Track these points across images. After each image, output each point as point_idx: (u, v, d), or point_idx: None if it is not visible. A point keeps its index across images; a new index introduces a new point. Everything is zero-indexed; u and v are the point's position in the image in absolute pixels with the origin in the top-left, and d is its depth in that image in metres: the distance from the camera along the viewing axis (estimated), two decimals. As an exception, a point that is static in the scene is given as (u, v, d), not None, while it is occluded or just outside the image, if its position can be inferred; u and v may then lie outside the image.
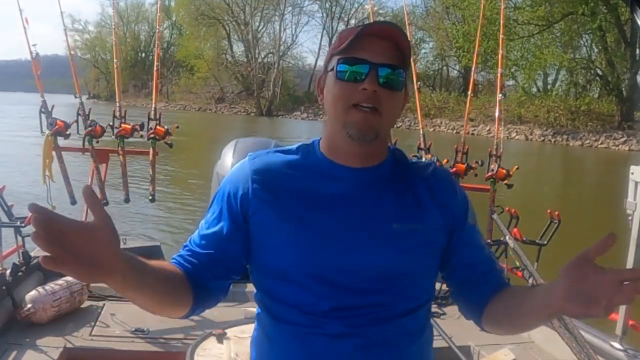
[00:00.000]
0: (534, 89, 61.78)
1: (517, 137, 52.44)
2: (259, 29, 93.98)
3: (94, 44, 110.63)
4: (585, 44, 58.97)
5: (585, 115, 50.86)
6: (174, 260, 2.13)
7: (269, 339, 2.19)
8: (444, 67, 78.36)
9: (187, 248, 2.16)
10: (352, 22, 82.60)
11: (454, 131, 51.66)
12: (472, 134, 51.77)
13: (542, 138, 51.36)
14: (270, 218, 2.08)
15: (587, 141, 48.34)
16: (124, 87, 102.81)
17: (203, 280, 2.12)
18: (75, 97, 6.14)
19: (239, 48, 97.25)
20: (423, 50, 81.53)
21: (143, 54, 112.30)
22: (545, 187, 26.17)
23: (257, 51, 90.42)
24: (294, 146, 2.24)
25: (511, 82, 64.39)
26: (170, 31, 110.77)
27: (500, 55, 7.09)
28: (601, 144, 47.15)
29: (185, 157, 26.16)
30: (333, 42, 2.17)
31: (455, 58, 67.67)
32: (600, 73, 57.11)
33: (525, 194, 20.74)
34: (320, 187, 2.10)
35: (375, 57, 2.00)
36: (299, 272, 2.07)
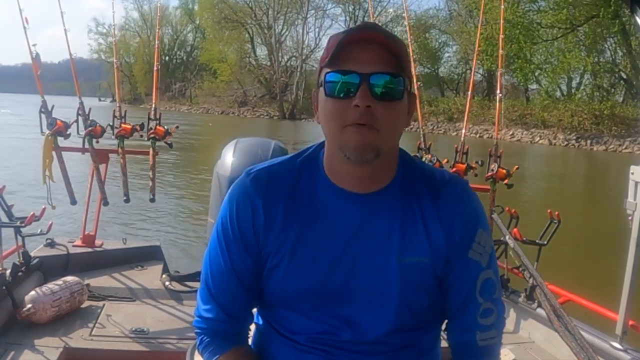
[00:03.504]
0: (558, 93, 61.41)
1: (540, 142, 52.18)
2: (282, 32, 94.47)
3: (118, 47, 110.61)
4: (610, 47, 58.59)
5: (609, 120, 50.23)
6: (226, 343, 2.15)
7: (267, 349, 2.18)
8: (468, 71, 77.89)
9: (216, 306, 2.14)
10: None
11: (477, 135, 51.34)
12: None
13: (566, 142, 50.95)
14: (273, 248, 2.03)
15: (612, 146, 47.85)
16: (147, 90, 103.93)
17: (250, 316, 2.23)
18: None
19: (262, 51, 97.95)
20: (446, 54, 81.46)
21: (167, 57, 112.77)
22: (562, 189, 26.06)
23: (280, 55, 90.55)
24: (299, 158, 2.11)
25: (535, 86, 64.08)
26: (194, 34, 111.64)
27: (500, 55, 7.01)
28: (625, 148, 46.66)
29: (201, 159, 26.35)
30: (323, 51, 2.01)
31: (478, 62, 67.59)
32: (624, 77, 56.71)
33: (542, 196, 20.73)
34: (324, 215, 2.02)
35: (366, 66, 1.84)
36: (301, 302, 2.05)
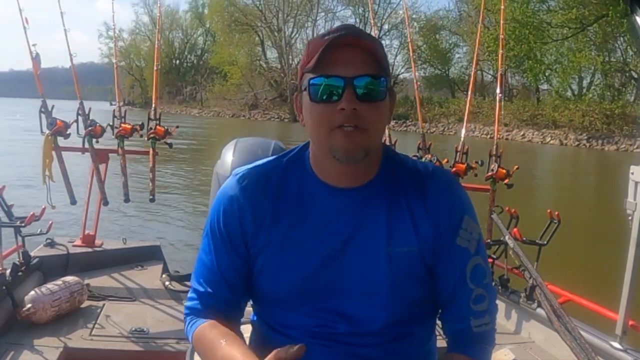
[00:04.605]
0: (569, 93, 61.21)
1: (551, 142, 52.12)
2: (292, 35, 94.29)
3: (128, 51, 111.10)
4: (620, 46, 58.40)
5: (620, 119, 50.16)
6: (212, 320, 2.14)
7: (264, 345, 2.15)
8: (478, 72, 77.65)
9: (204, 293, 2.16)
10: (385, 27, 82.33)
11: (488, 136, 51.18)
12: (507, 138, 51.48)
13: (577, 142, 50.87)
14: (263, 246, 2.06)
15: (623, 145, 47.71)
16: (158, 93, 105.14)
17: (239, 312, 2.24)
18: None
19: (272, 54, 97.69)
20: (457, 55, 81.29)
21: (177, 61, 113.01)
22: (568, 189, 26.07)
23: (290, 57, 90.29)
24: (285, 158, 2.15)
25: (545, 86, 63.91)
26: (204, 38, 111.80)
27: (500, 55, 7.01)
28: (637, 148, 46.22)
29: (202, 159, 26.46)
30: (303, 53, 2.05)
31: (489, 62, 67.32)
32: (635, 76, 56.50)
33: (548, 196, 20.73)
34: (312, 211, 2.05)
35: (349, 69, 1.89)
36: (293, 298, 2.06)
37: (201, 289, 2.16)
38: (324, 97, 1.90)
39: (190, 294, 2.22)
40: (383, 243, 2.01)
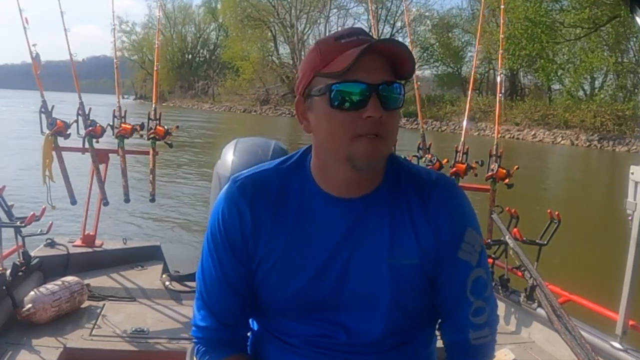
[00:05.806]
0: (581, 93, 60.98)
1: (562, 142, 51.82)
2: (305, 31, 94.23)
3: (141, 45, 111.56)
4: (633, 47, 58.13)
5: (632, 120, 49.75)
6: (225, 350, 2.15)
7: (263, 353, 2.18)
8: (490, 70, 77.38)
9: (211, 315, 2.14)
10: (398, 24, 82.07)
11: (499, 135, 50.89)
12: (517, 138, 51.32)
13: (588, 143, 50.52)
14: (263, 256, 2.03)
15: (634, 147, 47.33)
16: (170, 88, 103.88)
17: (246, 329, 2.24)
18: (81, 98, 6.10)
19: (284, 50, 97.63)
20: (469, 53, 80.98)
21: (190, 56, 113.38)
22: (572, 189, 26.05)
23: (302, 53, 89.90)
24: (285, 164, 2.10)
25: (558, 86, 63.69)
26: (217, 33, 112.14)
27: (500, 55, 7.02)
28: (642, 148, 46.15)
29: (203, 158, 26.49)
30: (308, 55, 1.99)
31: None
32: (647, 77, 56.35)
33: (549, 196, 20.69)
34: (312, 221, 2.01)
35: (373, 76, 1.83)
36: (293, 309, 2.05)
37: (208, 301, 2.14)
38: (350, 106, 1.84)
39: (196, 307, 2.19)
40: (385, 254, 1.98)
